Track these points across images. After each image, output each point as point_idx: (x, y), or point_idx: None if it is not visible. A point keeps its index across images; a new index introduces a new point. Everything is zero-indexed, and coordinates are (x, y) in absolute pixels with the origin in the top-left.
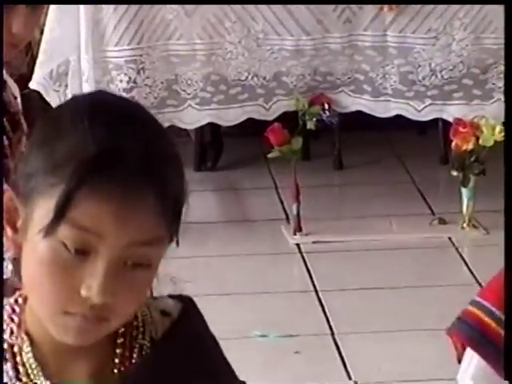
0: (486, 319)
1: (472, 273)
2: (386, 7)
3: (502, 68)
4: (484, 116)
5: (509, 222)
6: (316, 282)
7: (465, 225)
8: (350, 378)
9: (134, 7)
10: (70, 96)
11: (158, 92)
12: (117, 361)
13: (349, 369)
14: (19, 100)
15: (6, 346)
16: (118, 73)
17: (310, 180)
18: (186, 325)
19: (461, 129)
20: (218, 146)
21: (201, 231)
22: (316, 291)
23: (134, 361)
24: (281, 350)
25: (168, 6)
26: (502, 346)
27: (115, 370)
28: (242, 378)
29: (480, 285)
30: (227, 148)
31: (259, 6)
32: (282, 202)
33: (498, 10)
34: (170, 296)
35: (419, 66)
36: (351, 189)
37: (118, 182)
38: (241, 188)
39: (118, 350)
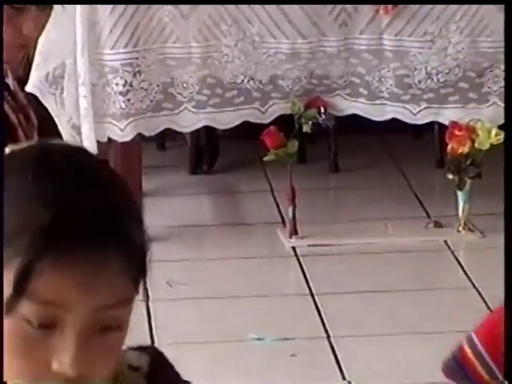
0: (479, 369)
1: (468, 276)
2: (381, 10)
3: (498, 71)
4: (480, 119)
5: (509, 224)
6: (312, 286)
7: (460, 228)
8: (344, 379)
9: (130, 10)
10: (66, 99)
11: (154, 95)
12: None
13: (344, 372)
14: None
15: None
16: (114, 76)
17: (306, 183)
18: (159, 380)
19: (456, 132)
20: (213, 149)
21: (196, 234)
22: (312, 294)
23: None
24: (277, 353)
25: (164, 8)
26: None
27: None
28: (238, 380)
29: (475, 288)
30: (223, 151)
31: (255, 8)
32: (277, 205)
33: (495, 14)
34: (131, 348)
35: (415, 69)
36: (347, 192)
37: (78, 247)
38: (237, 191)
39: None
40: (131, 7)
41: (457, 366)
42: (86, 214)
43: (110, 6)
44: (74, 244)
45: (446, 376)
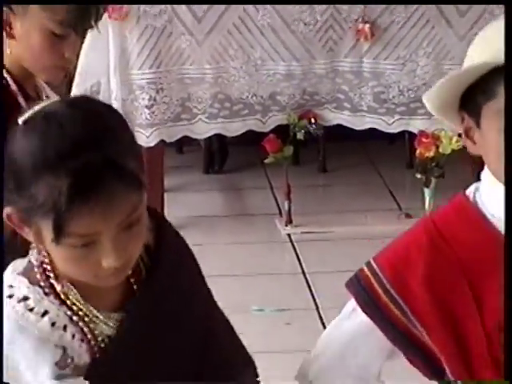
0: (376, 286)
1: None
2: (362, 38)
3: None
4: (443, 129)
5: (509, 224)
6: (304, 266)
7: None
8: None
9: (154, 38)
10: None
11: (174, 108)
12: (132, 277)
13: None
14: None
15: (54, 297)
16: (141, 92)
17: (299, 181)
18: (165, 233)
19: (424, 139)
20: (223, 153)
21: (209, 223)
22: (304, 273)
23: (143, 273)
24: (275, 321)
25: (182, 37)
26: (384, 312)
27: (134, 286)
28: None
29: None
30: (231, 155)
31: (257, 36)
32: (275, 200)
33: (456, 42)
34: None
35: (390, 87)
36: (333, 189)
37: (93, 194)
38: (242, 188)
39: (130, 273)
40: (155, 35)
41: (359, 284)
42: (93, 169)
43: (137, 34)
44: (88, 193)
45: (349, 291)
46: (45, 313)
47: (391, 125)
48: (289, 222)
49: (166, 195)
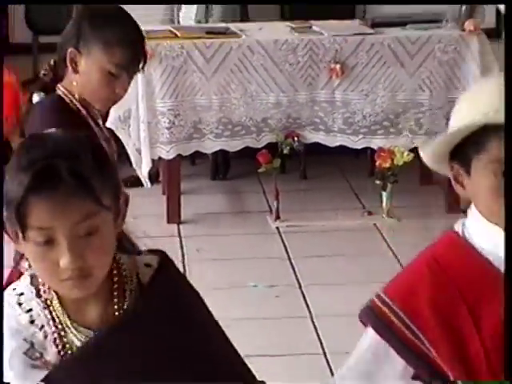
0: (389, 315)
1: (389, 247)
2: (334, 75)
3: (409, 115)
4: (396, 146)
5: (509, 225)
6: (289, 252)
7: (384, 215)
8: (310, 314)
9: (172, 74)
10: (132, 132)
11: (188, 129)
12: (115, 304)
13: (310, 308)
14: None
15: (42, 300)
16: (162, 117)
17: (285, 186)
18: (165, 271)
19: (382, 153)
20: (226, 164)
21: (215, 218)
22: (289, 258)
23: (126, 303)
24: (266, 295)
25: (195, 74)
26: (398, 334)
27: (116, 313)
28: (242, 312)
29: (394, 253)
30: (232, 165)
31: (253, 74)
32: (267, 200)
33: (407, 78)
34: (149, 251)
35: (355, 113)
36: (312, 192)
37: (49, 190)
38: (241, 191)
39: (115, 294)
40: (174, 72)
41: (374, 315)
42: (54, 170)
43: (160, 72)
44: (45, 188)
45: (364, 321)
46: (29, 310)
47: (356, 142)
48: (277, 217)
49: (182, 197)
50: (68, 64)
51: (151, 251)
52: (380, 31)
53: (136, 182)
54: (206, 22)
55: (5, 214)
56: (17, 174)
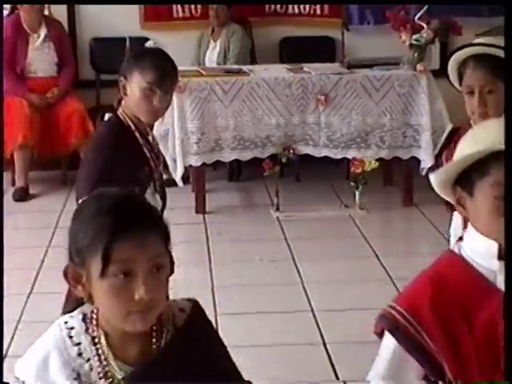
0: (401, 320)
1: (360, 231)
2: (320, 104)
3: (375, 133)
4: (366, 156)
5: (509, 225)
6: (286, 235)
7: (357, 208)
8: (301, 280)
9: (200, 103)
10: (169, 146)
11: (211, 144)
12: (154, 344)
13: (302, 276)
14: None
15: (89, 338)
16: (192, 135)
17: (284, 187)
18: (196, 316)
19: (355, 162)
20: (239, 170)
21: (231, 211)
22: (286, 239)
23: (163, 341)
24: (269, 267)
25: (215, 102)
26: (411, 338)
27: (153, 347)
28: (249, 281)
29: (365, 238)
30: (244, 171)
31: (259, 102)
32: (270, 197)
33: (374, 106)
34: (185, 299)
35: (335, 132)
36: (303, 191)
37: (132, 230)
38: (250, 190)
39: (153, 334)
40: (200, 101)
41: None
42: (133, 215)
43: (189, 100)
44: (130, 234)
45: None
46: (78, 343)
47: (336, 154)
48: (277, 209)
49: (206, 194)
50: (120, 90)
51: (186, 299)
52: (354, 71)
53: (173, 183)
54: (225, 64)
55: (72, 259)
56: (95, 219)
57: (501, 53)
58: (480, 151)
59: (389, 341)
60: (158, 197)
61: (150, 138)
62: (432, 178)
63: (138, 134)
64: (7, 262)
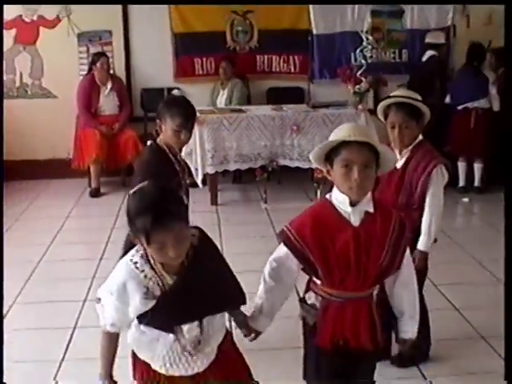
0: (290, 236)
1: None
2: (294, 132)
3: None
4: None
5: (509, 226)
6: (272, 220)
7: (318, 201)
8: None
9: (213, 132)
10: (192, 161)
11: (221, 159)
12: (184, 259)
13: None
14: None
15: (149, 265)
16: (208, 152)
17: (270, 187)
18: (204, 237)
19: (317, 170)
20: (240, 176)
21: (235, 203)
22: (271, 223)
23: (190, 257)
24: (259, 242)
25: (223, 131)
26: (301, 251)
27: (185, 263)
28: (246, 250)
29: None
30: (243, 176)
31: (253, 130)
32: (260, 194)
33: (329, 133)
34: (192, 227)
35: (304, 150)
36: (283, 190)
37: (164, 222)
38: (247, 190)
39: (185, 262)
40: (213, 130)
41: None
42: (163, 214)
43: (206, 130)
44: (162, 225)
45: (279, 238)
46: (143, 270)
47: (305, 165)
48: (265, 202)
49: (218, 193)
50: (158, 128)
51: (193, 227)
52: (316, 110)
53: (195, 185)
54: (230, 105)
55: (135, 232)
56: (142, 212)
57: (411, 101)
58: (334, 140)
59: (282, 248)
60: (184, 196)
61: (179, 157)
62: (310, 154)
63: (170, 156)
64: (89, 237)
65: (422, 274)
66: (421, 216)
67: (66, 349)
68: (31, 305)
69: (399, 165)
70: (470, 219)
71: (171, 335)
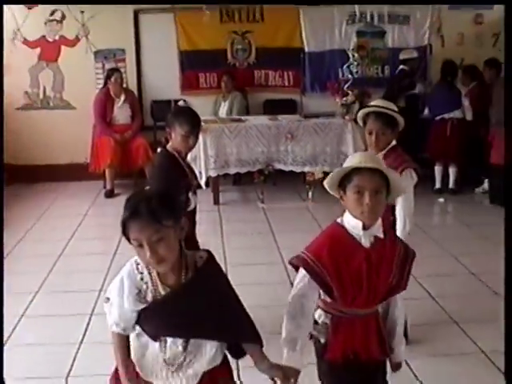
0: (311, 262)
1: (313, 217)
2: (288, 139)
3: (321, 157)
4: (315, 170)
5: (509, 226)
6: (268, 218)
7: (310, 201)
8: (277, 245)
9: (215, 139)
10: (196, 165)
11: (222, 163)
12: (184, 278)
13: (278, 243)
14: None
15: (147, 271)
16: (211, 157)
17: (266, 188)
18: (211, 261)
19: (309, 174)
20: (239, 178)
21: (235, 203)
22: (268, 220)
23: (189, 276)
24: (257, 238)
25: (225, 139)
26: (319, 274)
27: (183, 280)
28: (245, 245)
29: (315, 220)
30: (242, 178)
31: (251, 138)
32: (258, 195)
33: (320, 142)
34: (202, 250)
35: (297, 156)
36: (278, 191)
37: (139, 219)
38: (246, 191)
39: (183, 272)
40: (215, 138)
41: (298, 260)
42: (140, 210)
43: (209, 137)
44: (137, 219)
45: (296, 264)
46: (141, 272)
47: (298, 169)
48: (262, 202)
49: (220, 194)
50: (168, 135)
51: (204, 250)
52: (308, 119)
53: (199, 186)
54: (230, 115)
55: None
56: (124, 208)
57: (388, 111)
58: (346, 167)
59: (302, 273)
60: (194, 195)
61: (186, 161)
62: (325, 182)
63: (180, 160)
64: (104, 233)
65: None
66: (392, 213)
67: (84, 334)
68: (53, 294)
69: None
70: (444, 218)
71: (157, 345)
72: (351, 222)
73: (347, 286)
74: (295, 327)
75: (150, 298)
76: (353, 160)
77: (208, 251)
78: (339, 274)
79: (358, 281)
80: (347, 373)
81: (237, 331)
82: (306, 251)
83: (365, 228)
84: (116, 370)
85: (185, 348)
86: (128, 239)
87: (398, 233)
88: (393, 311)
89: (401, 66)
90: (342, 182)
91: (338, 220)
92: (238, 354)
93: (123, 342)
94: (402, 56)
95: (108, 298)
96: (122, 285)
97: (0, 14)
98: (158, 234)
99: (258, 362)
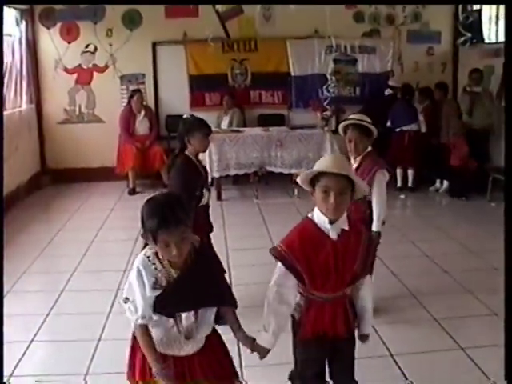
0: (284, 253)
1: (297, 210)
2: (278, 147)
3: (304, 161)
4: (300, 171)
5: (509, 226)
6: (262, 212)
7: (296, 197)
8: (269, 235)
9: (219, 147)
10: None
11: (224, 166)
12: (187, 260)
13: (270, 234)
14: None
15: (158, 260)
16: (215, 161)
17: (260, 187)
18: (203, 243)
19: (295, 175)
20: (238, 179)
21: (234, 199)
22: (261, 214)
23: (193, 257)
24: (253, 228)
25: (226, 147)
26: (291, 264)
27: (188, 261)
28: (243, 234)
29: (300, 213)
30: (240, 179)
31: (248, 145)
32: (253, 192)
33: (304, 149)
34: (193, 236)
35: (285, 160)
36: (270, 189)
37: (167, 226)
38: (244, 189)
39: (187, 256)
40: (218, 146)
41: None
42: (167, 218)
43: (214, 145)
44: (165, 227)
45: (273, 255)
46: (154, 263)
47: (285, 171)
48: (257, 198)
49: (222, 191)
50: (186, 142)
51: (195, 236)
52: (294, 130)
53: (212, 183)
54: (231, 126)
55: (144, 232)
56: (151, 216)
57: (364, 123)
58: (315, 170)
59: (278, 268)
60: (207, 192)
61: (202, 163)
62: (298, 178)
63: (197, 163)
64: (128, 224)
65: (376, 246)
66: (368, 207)
67: (112, 304)
68: (87, 273)
69: (353, 168)
70: (405, 210)
71: (171, 321)
72: (320, 217)
73: (316, 273)
74: (269, 312)
75: (164, 283)
76: (322, 163)
77: (201, 241)
78: (309, 264)
79: (326, 269)
80: (317, 348)
81: (226, 299)
82: (281, 243)
83: (331, 222)
84: (131, 365)
85: (196, 318)
86: (155, 241)
87: (374, 223)
88: (363, 293)
89: (389, 90)
90: (313, 180)
91: (309, 215)
92: (217, 319)
93: (147, 331)
94: (390, 82)
95: (127, 298)
96: (141, 278)
97: (0, 13)
98: (182, 235)
99: (233, 328)
